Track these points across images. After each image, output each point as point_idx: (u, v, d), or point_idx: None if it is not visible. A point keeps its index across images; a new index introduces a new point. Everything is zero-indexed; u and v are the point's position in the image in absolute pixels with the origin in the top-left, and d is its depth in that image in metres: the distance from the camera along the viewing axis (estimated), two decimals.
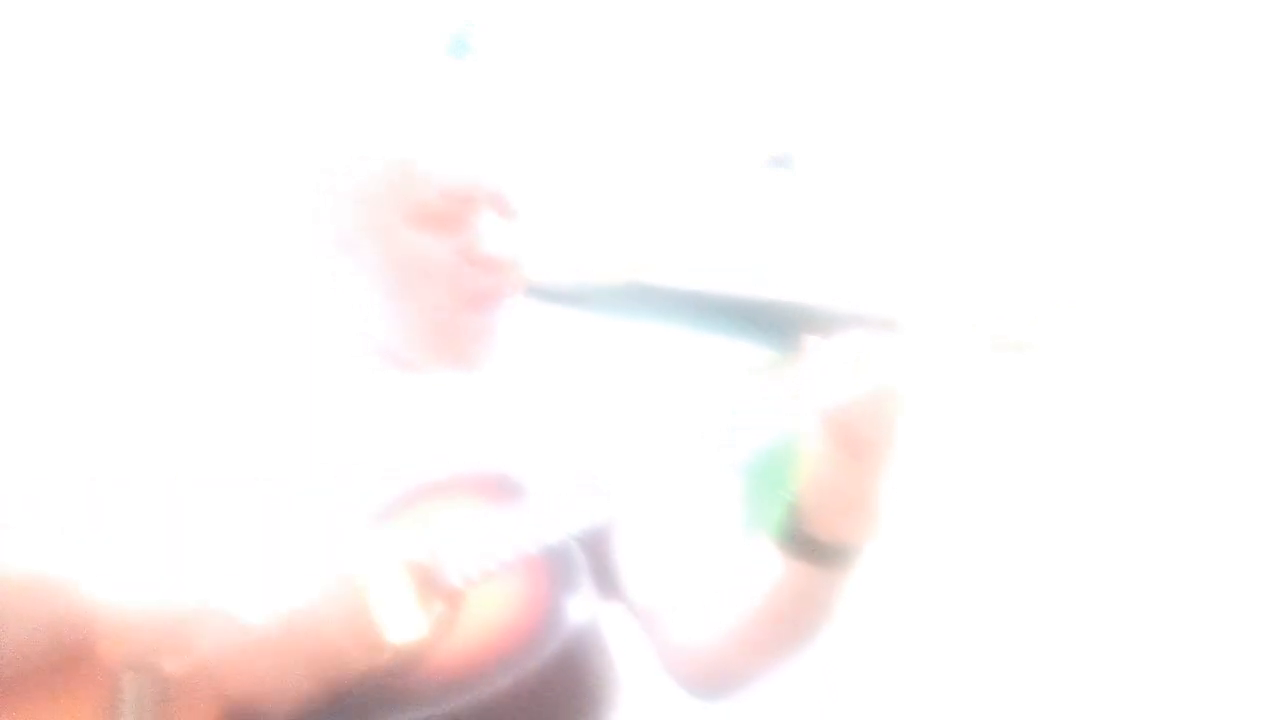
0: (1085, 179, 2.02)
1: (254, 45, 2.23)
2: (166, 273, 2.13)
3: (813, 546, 1.12)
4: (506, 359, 1.30)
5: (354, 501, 1.14)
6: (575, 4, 2.36)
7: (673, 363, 1.48)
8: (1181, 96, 1.99)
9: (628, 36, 2.35)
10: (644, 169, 2.36)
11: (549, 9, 2.35)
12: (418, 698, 1.05)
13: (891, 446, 1.09)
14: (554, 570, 1.10)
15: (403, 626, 1.02)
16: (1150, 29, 2.01)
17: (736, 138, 2.34)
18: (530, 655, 1.06)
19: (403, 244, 1.22)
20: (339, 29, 2.24)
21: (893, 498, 1.12)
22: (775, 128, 2.32)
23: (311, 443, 1.24)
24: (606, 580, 1.24)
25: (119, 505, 1.21)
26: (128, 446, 1.25)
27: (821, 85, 2.29)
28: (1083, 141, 2.05)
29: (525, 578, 1.09)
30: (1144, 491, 1.97)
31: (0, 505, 1.17)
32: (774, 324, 1.17)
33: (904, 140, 2.22)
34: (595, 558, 1.20)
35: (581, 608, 1.10)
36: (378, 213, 1.23)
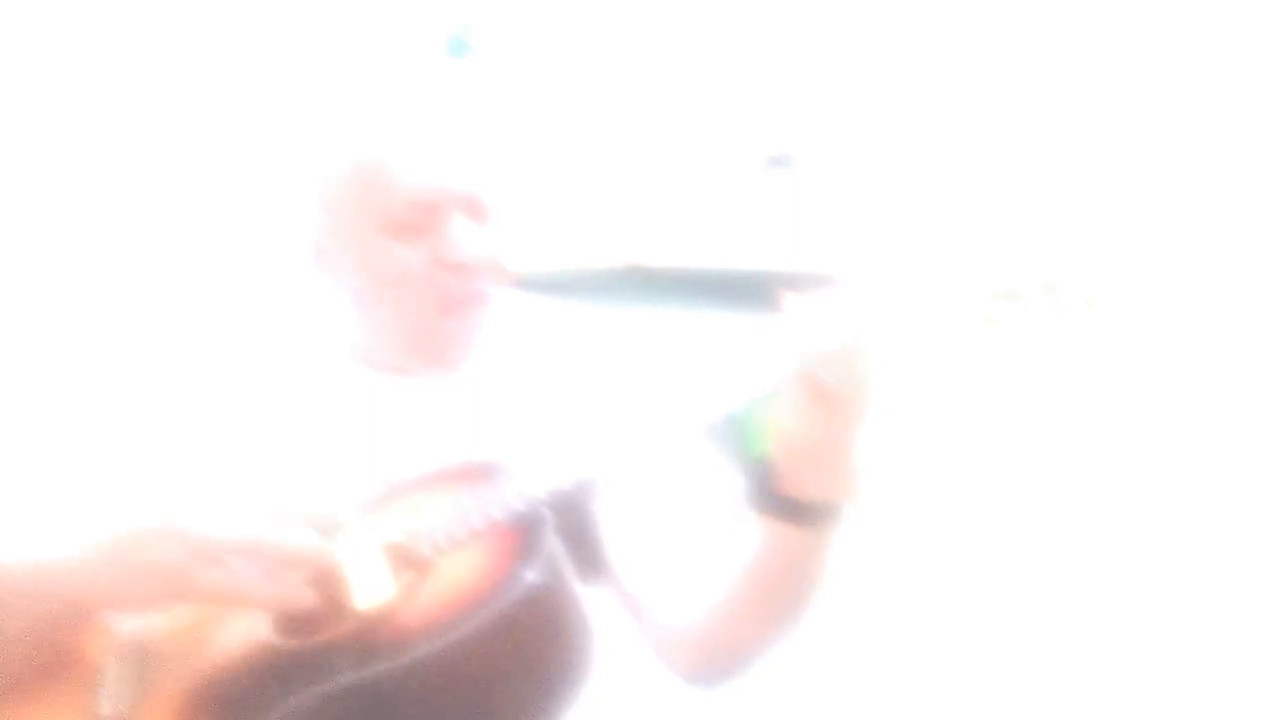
0: (1082, 178, 2.02)
1: (240, 55, 2.25)
2: (152, 279, 2.15)
3: (789, 506, 1.11)
4: (490, 355, 1.32)
5: (337, 499, 1.15)
6: (575, 4, 2.37)
7: (659, 339, 1.49)
8: (1175, 87, 1.99)
9: (627, 36, 2.37)
10: (643, 168, 2.37)
11: (549, 9, 2.37)
12: (381, 651, 1.06)
13: (865, 402, 1.08)
14: (517, 535, 1.10)
15: (371, 594, 1.07)
16: (1131, 28, 2.01)
17: (736, 138, 2.34)
18: (477, 614, 1.06)
19: (376, 253, 1.24)
20: (336, 31, 2.27)
21: (867, 456, 1.11)
22: (775, 128, 2.33)
23: (296, 445, 1.26)
24: (591, 565, 1.24)
25: (103, 499, 1.22)
26: (116, 447, 1.28)
27: (821, 85, 2.29)
28: (1082, 140, 2.05)
29: (490, 543, 1.10)
30: (1131, 459, 1.95)
31: None
32: (758, 293, 1.17)
33: (903, 140, 2.22)
34: (579, 543, 1.20)
35: (541, 572, 1.09)
36: (350, 223, 1.25)
